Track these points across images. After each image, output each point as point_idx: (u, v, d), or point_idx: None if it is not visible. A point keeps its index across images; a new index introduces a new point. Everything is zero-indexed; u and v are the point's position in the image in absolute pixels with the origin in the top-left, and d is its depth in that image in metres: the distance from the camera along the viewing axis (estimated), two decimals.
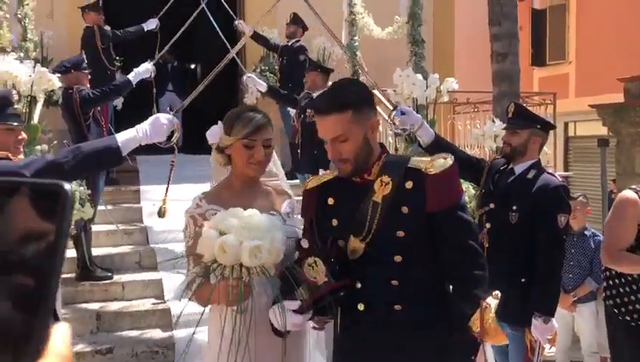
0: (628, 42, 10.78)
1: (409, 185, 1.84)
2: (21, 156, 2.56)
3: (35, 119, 4.43)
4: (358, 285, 1.87)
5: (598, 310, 4.91)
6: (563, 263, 3.21)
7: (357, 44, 7.72)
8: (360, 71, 7.70)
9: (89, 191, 4.23)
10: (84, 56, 5.28)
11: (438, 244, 1.86)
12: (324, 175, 2.07)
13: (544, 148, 8.43)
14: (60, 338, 0.48)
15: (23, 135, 2.56)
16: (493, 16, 6.33)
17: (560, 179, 3.24)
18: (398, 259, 1.84)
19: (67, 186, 0.49)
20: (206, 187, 2.64)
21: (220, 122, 2.15)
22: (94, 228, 5.29)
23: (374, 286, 1.86)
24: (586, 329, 4.96)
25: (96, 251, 5.29)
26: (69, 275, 4.97)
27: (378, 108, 7.37)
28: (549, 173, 3.27)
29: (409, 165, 1.85)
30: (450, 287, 1.94)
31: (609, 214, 3.11)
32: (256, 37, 7.02)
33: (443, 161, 1.86)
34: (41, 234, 0.48)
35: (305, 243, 1.86)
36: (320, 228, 1.93)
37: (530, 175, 3.22)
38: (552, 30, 13.12)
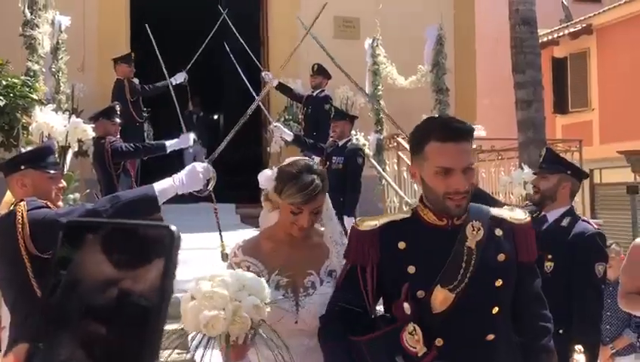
0: None
1: (498, 232, 1.76)
2: (60, 203, 2.57)
3: (66, 168, 4.52)
4: (439, 342, 1.64)
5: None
6: (602, 314, 3.11)
7: (380, 93, 7.80)
8: (384, 118, 7.77)
9: None
10: (117, 108, 5.44)
11: (516, 296, 1.78)
12: (379, 216, 1.83)
13: None
14: None
15: (63, 183, 2.59)
16: (517, 65, 6.39)
17: (596, 227, 3.17)
18: (495, 310, 1.69)
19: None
20: (236, 236, 2.47)
21: (274, 168, 1.99)
22: None
23: (464, 342, 1.66)
24: None
25: None
26: None
27: (401, 154, 7.40)
28: (584, 220, 3.20)
29: (492, 213, 1.78)
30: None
31: (624, 260, 3.10)
32: (282, 88, 7.16)
33: (522, 212, 1.87)
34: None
35: (407, 309, 1.61)
36: (385, 277, 1.71)
37: (564, 222, 3.14)
38: (573, 78, 13.17)
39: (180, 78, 6.75)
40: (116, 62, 6.96)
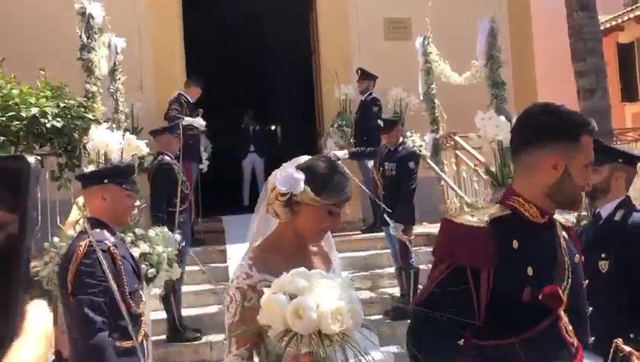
0: None
1: (565, 234, 1.75)
2: (130, 222, 2.86)
3: None
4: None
5: None
6: None
7: (434, 91, 7.64)
8: (439, 119, 7.60)
9: (176, 252, 4.33)
10: (181, 124, 5.63)
11: None
12: (472, 211, 1.71)
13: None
14: (38, 317, 0.48)
15: (138, 202, 2.76)
16: (577, 53, 6.11)
17: None
18: (589, 311, 1.71)
19: (31, 159, 0.51)
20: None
21: (295, 170, 1.83)
22: (183, 288, 5.38)
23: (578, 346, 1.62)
24: None
25: (185, 312, 5.36)
26: (160, 337, 5.03)
27: (459, 153, 7.20)
28: (638, 211, 2.96)
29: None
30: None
31: None
32: (354, 155, 6.95)
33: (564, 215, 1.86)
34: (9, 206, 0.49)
35: (559, 298, 1.55)
36: (500, 280, 1.52)
37: (617, 216, 2.93)
38: None
39: (196, 123, 6.88)
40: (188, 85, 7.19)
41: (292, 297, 1.54)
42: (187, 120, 6.71)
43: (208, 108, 7.52)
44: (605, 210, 2.99)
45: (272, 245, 1.87)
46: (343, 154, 6.40)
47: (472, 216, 1.59)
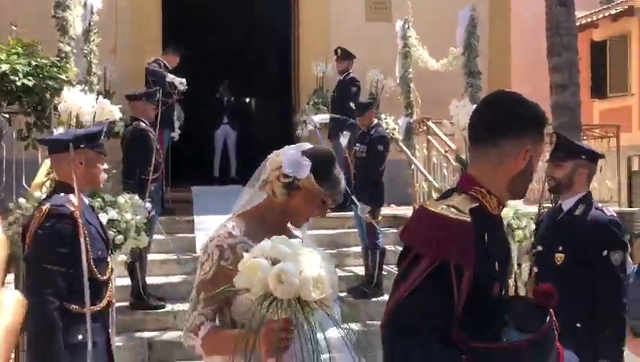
0: None
1: None
2: (102, 184, 2.82)
3: None
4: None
5: None
6: (624, 304, 2.98)
7: (410, 76, 7.68)
8: (414, 103, 7.66)
9: (145, 220, 4.30)
10: (159, 92, 5.55)
11: None
12: (448, 200, 1.54)
13: (607, 183, 8.08)
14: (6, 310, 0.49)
15: (106, 165, 2.74)
16: (553, 47, 6.19)
17: (609, 214, 3.02)
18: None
19: None
20: None
21: (303, 155, 1.87)
22: (149, 256, 5.36)
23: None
24: None
25: (149, 280, 5.35)
26: (122, 303, 5.02)
27: (431, 139, 7.28)
28: (597, 208, 3.07)
29: None
30: None
31: None
32: (334, 121, 6.93)
33: None
34: None
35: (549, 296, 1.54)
36: (476, 277, 1.43)
37: (577, 211, 3.04)
38: (612, 61, 12.77)
39: (178, 80, 6.81)
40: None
41: (274, 262, 1.55)
42: (170, 76, 6.62)
43: (182, 76, 7.41)
44: (566, 204, 3.09)
45: (256, 216, 1.91)
46: (324, 118, 6.40)
47: (448, 206, 1.49)
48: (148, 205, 4.60)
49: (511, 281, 1.61)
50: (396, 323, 1.42)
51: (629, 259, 3.57)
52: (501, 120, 1.58)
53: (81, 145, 2.64)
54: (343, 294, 5.56)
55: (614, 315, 2.90)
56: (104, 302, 2.66)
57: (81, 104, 4.09)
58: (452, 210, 1.47)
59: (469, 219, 1.45)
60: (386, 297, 4.78)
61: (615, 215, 3.08)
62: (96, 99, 4.44)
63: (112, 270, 2.79)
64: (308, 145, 1.94)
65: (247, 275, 1.57)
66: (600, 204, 3.13)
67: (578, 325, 2.90)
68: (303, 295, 1.52)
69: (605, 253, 2.89)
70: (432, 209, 1.50)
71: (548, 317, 1.52)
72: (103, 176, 2.78)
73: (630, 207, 10.42)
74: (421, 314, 1.39)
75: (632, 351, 4.27)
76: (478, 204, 1.52)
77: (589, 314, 2.90)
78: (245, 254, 1.64)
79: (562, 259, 2.98)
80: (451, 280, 1.40)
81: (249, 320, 1.54)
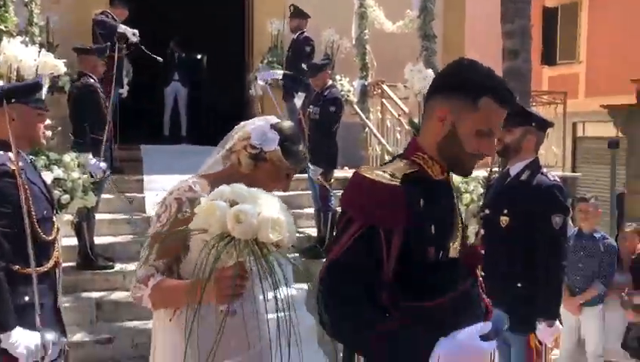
0: None
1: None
2: (44, 142, 2.63)
3: None
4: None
5: (605, 313, 4.85)
6: (564, 266, 3.12)
7: (367, 37, 7.63)
8: (369, 66, 7.64)
9: (92, 179, 4.18)
10: (107, 47, 5.33)
11: None
12: (383, 167, 1.59)
13: (553, 148, 8.32)
14: None
15: (48, 121, 2.60)
16: (506, 13, 6.25)
17: (553, 179, 3.10)
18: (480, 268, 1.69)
19: None
20: None
21: (271, 128, 1.92)
22: (97, 216, 5.25)
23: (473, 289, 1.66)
24: (592, 332, 4.88)
25: (97, 240, 5.25)
26: (69, 264, 4.92)
27: (385, 102, 7.32)
28: (542, 173, 3.15)
29: None
30: None
31: None
32: (287, 78, 6.77)
33: None
34: None
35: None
36: (408, 240, 1.48)
37: (523, 176, 3.12)
38: (563, 29, 13.02)
39: (130, 31, 6.54)
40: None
41: (232, 205, 1.55)
42: (122, 27, 6.35)
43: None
44: (514, 169, 3.16)
45: (218, 179, 1.89)
46: (277, 74, 6.31)
47: (384, 171, 1.52)
48: (103, 165, 4.48)
49: (457, 244, 1.61)
50: (327, 282, 1.48)
51: (570, 222, 3.73)
52: (436, 80, 1.62)
53: (12, 100, 2.47)
54: (296, 255, 5.61)
55: (554, 276, 3.01)
56: (51, 263, 2.59)
57: (21, 57, 3.88)
58: (386, 175, 1.50)
59: (398, 184, 1.48)
60: None
61: (558, 180, 3.17)
62: (39, 52, 4.22)
63: (58, 230, 2.71)
64: (275, 119, 1.98)
65: (204, 216, 1.56)
66: (545, 170, 3.22)
67: (519, 285, 3.02)
68: (260, 236, 1.51)
69: (547, 216, 2.98)
70: (366, 174, 1.52)
71: (470, 276, 1.59)
72: (47, 133, 2.65)
73: (574, 171, 10.83)
74: (348, 274, 1.45)
75: (567, 309, 4.53)
76: (416, 170, 1.54)
77: (530, 274, 3.02)
78: (203, 199, 1.64)
79: (507, 222, 3.07)
80: (380, 243, 1.45)
81: (203, 264, 1.52)
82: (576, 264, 4.66)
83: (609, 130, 10.33)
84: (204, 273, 1.50)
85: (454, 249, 1.60)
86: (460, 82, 1.54)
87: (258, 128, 1.92)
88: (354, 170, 1.61)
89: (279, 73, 6.42)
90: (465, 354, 1.35)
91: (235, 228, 1.50)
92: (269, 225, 1.52)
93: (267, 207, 1.56)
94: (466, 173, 1.61)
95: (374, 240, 1.45)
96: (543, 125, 3.26)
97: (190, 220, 1.65)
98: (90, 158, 4.12)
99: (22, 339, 2.34)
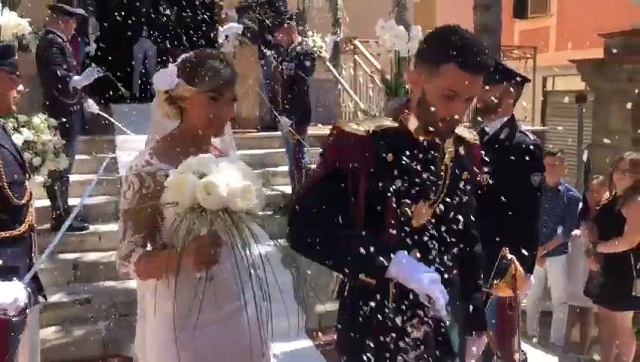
0: None
1: (462, 151, 1.81)
2: (14, 108, 2.59)
3: None
4: (417, 254, 1.67)
5: (569, 262, 5.05)
6: (539, 222, 3.21)
7: None
8: (342, 22, 7.56)
9: (64, 141, 4.13)
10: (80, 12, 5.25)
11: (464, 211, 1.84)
12: (363, 121, 1.71)
13: (523, 102, 8.39)
14: None
15: (21, 87, 2.56)
16: None
17: (533, 138, 3.13)
18: (461, 225, 1.77)
19: None
20: None
21: (171, 65, 1.83)
22: (70, 178, 5.21)
23: (437, 254, 1.72)
24: (557, 280, 5.09)
25: (71, 201, 5.22)
26: (44, 226, 4.90)
27: (358, 58, 7.27)
28: (522, 131, 3.15)
29: (456, 131, 1.75)
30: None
31: None
32: (248, 30, 6.68)
33: (474, 132, 1.93)
34: None
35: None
36: (371, 189, 1.63)
37: (502, 135, 3.12)
38: None
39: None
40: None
41: (200, 176, 1.58)
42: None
43: None
44: (492, 127, 3.14)
45: (171, 141, 1.86)
46: (237, 27, 6.24)
47: (358, 124, 1.67)
48: (90, 101, 4.51)
49: (433, 206, 1.72)
50: (295, 211, 1.67)
51: None
52: (419, 46, 1.74)
53: None
54: (269, 213, 5.67)
55: (531, 231, 3.08)
56: (25, 226, 2.60)
57: None
58: (360, 128, 1.66)
59: (364, 134, 1.64)
60: None
61: (537, 139, 3.18)
62: (2, 11, 4.08)
63: (31, 193, 2.70)
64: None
65: (174, 190, 1.60)
66: (523, 127, 3.24)
67: (497, 239, 3.10)
68: (230, 205, 1.55)
69: (527, 175, 3.01)
70: (341, 126, 1.69)
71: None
72: (14, 99, 2.58)
73: (543, 125, 10.99)
74: (314, 204, 1.63)
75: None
76: (395, 126, 1.68)
77: (508, 230, 3.09)
78: (171, 172, 1.65)
79: (485, 181, 3.12)
80: (346, 181, 1.64)
81: (175, 233, 1.56)
82: (541, 216, 4.80)
83: (579, 84, 10.45)
84: (178, 244, 1.55)
85: (427, 208, 1.69)
86: (425, 49, 1.66)
87: (160, 74, 1.84)
88: (330, 126, 1.74)
89: (238, 26, 6.33)
90: (416, 266, 1.55)
91: (205, 199, 1.54)
92: (238, 195, 1.56)
93: (234, 176, 1.59)
94: (441, 135, 1.68)
95: (341, 179, 1.64)
96: (523, 81, 3.23)
97: (155, 193, 1.68)
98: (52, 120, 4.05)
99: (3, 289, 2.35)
